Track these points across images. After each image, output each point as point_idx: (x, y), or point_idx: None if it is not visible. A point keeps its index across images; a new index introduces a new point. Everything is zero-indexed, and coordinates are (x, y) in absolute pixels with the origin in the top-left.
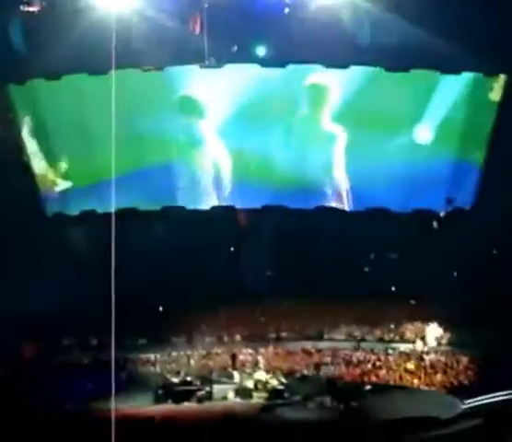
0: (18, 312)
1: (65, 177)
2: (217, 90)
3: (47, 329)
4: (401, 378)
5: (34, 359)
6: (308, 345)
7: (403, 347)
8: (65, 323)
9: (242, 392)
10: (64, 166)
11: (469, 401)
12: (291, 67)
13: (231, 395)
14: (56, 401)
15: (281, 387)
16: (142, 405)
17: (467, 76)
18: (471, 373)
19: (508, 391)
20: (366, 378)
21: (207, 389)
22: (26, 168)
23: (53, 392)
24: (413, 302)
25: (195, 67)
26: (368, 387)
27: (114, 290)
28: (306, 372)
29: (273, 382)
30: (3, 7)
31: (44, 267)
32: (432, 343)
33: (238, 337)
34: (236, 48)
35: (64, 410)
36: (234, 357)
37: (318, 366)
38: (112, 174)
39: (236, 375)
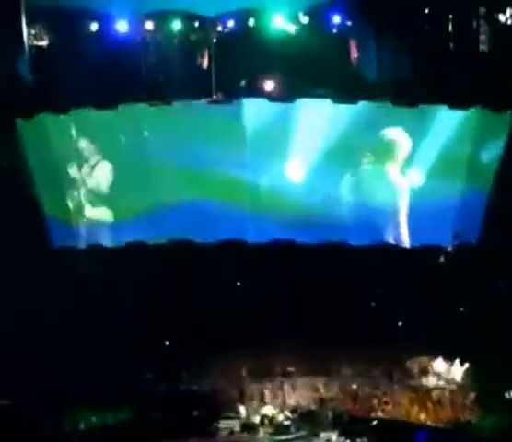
0: None
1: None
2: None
3: None
4: (407, 413)
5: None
6: (315, 381)
7: (410, 382)
8: None
9: (248, 427)
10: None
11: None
12: (300, 102)
13: (237, 429)
14: None
15: (287, 422)
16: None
17: (474, 111)
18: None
19: None
20: (373, 414)
21: (214, 423)
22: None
23: None
24: (419, 337)
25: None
26: (375, 422)
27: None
28: (313, 407)
29: (280, 417)
30: (11, 40)
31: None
32: (438, 378)
33: (244, 372)
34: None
35: None
36: (242, 393)
37: (324, 402)
38: None
39: (242, 409)
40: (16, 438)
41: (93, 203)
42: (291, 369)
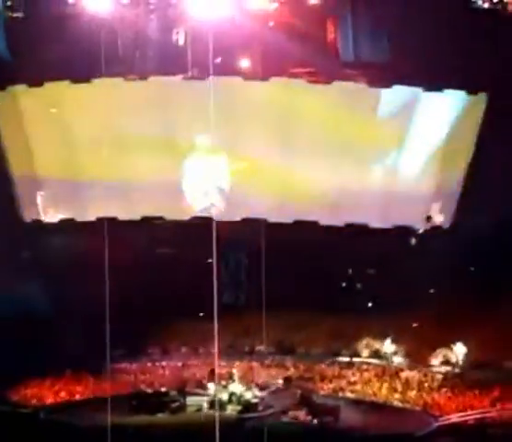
0: None
1: None
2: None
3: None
4: (375, 393)
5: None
6: (283, 359)
7: (379, 363)
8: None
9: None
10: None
11: (442, 418)
12: (274, 80)
13: (205, 407)
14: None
15: (255, 400)
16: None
17: (449, 94)
18: (445, 390)
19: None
20: (340, 393)
21: (181, 400)
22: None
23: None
24: (390, 317)
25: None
26: (343, 402)
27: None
28: (280, 385)
29: (248, 395)
30: None
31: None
32: (407, 359)
33: (213, 349)
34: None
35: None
36: (212, 373)
37: (292, 380)
38: None
39: (210, 386)
40: None
41: (65, 175)
42: (260, 348)
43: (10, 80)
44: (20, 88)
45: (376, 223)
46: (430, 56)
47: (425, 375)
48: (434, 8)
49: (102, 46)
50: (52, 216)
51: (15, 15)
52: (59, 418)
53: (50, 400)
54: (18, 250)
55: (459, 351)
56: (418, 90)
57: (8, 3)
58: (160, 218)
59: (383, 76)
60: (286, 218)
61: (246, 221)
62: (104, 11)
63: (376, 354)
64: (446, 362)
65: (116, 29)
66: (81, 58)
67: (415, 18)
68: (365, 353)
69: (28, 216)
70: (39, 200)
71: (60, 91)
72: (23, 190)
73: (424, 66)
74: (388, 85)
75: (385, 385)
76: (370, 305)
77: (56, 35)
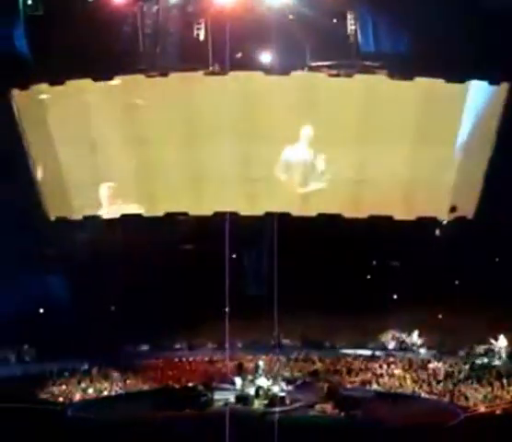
0: None
1: None
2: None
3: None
4: (402, 385)
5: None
6: (310, 353)
7: (405, 355)
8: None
9: (243, 399)
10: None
11: (469, 409)
12: (295, 75)
13: (232, 401)
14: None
15: (282, 394)
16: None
17: (471, 85)
18: (472, 381)
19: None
20: (367, 386)
21: (209, 395)
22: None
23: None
24: (415, 309)
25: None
26: (370, 394)
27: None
28: (307, 379)
29: (275, 389)
30: (7, 11)
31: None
32: (433, 350)
33: (239, 344)
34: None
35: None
36: (239, 367)
37: (319, 374)
38: None
39: (237, 381)
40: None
41: (88, 174)
42: (286, 341)
43: (32, 79)
44: (43, 87)
45: (400, 214)
46: (451, 47)
47: (452, 366)
48: None
49: (123, 42)
50: (77, 214)
51: (35, 13)
52: (86, 415)
53: (77, 397)
54: (44, 246)
55: (485, 341)
56: (440, 81)
57: (29, 1)
58: (185, 214)
59: (404, 68)
60: (310, 211)
61: (271, 214)
62: (124, 7)
63: (402, 346)
64: (472, 353)
65: (137, 24)
66: (102, 55)
67: (436, 9)
68: (391, 345)
69: (53, 214)
70: (64, 198)
71: (82, 89)
72: (47, 188)
73: (446, 57)
74: (409, 77)
75: (412, 377)
76: (396, 297)
77: (77, 32)
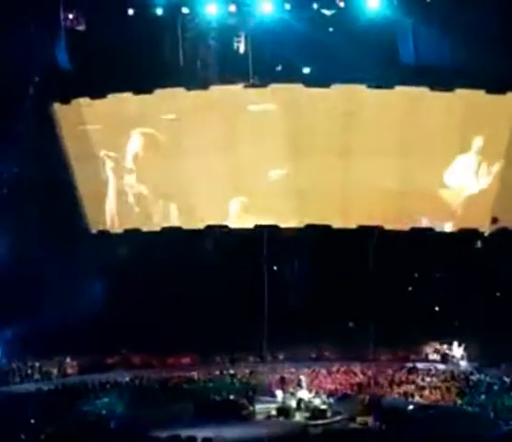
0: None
1: None
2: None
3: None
4: (443, 398)
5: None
6: (351, 365)
7: (447, 367)
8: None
9: (285, 411)
10: None
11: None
12: (335, 87)
13: (274, 414)
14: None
15: (324, 406)
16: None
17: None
18: None
19: None
20: (409, 398)
21: (250, 407)
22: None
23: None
24: (457, 321)
25: None
26: (411, 407)
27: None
28: (349, 392)
29: (316, 401)
30: (49, 26)
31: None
32: (475, 362)
33: (281, 356)
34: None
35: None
36: (282, 380)
37: (361, 386)
38: None
39: (279, 393)
40: None
41: (129, 186)
42: (327, 354)
43: (74, 93)
44: (84, 101)
45: (441, 226)
46: (491, 58)
47: (494, 378)
48: (494, 10)
49: (163, 56)
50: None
51: (77, 28)
52: (129, 427)
53: (120, 409)
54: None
55: None
56: (480, 92)
57: (70, 16)
58: (225, 227)
59: (445, 80)
60: (350, 224)
61: (310, 227)
62: (164, 21)
63: (444, 358)
64: None
65: (177, 38)
66: (143, 68)
67: (475, 20)
68: (433, 357)
69: (94, 227)
70: (104, 211)
71: (123, 102)
72: (89, 201)
73: (486, 68)
74: (449, 88)
75: (454, 389)
76: (437, 309)
77: (117, 46)
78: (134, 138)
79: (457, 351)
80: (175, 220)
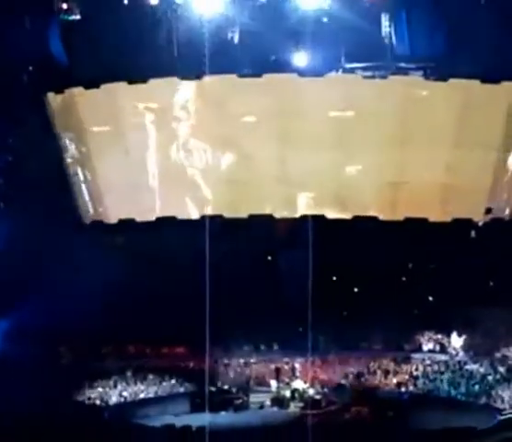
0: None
1: None
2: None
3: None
4: (438, 387)
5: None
6: (346, 355)
7: (441, 357)
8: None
9: (279, 401)
10: None
11: (506, 411)
12: (328, 76)
13: (268, 404)
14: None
15: (318, 396)
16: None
17: (507, 86)
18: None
19: None
20: (403, 388)
21: (244, 398)
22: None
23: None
24: (451, 311)
25: None
26: (406, 396)
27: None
28: (343, 382)
29: (311, 391)
30: (43, 16)
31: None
32: (470, 352)
33: (275, 346)
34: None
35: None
36: (276, 371)
37: (355, 376)
38: None
39: (273, 384)
40: None
41: (126, 175)
42: (322, 344)
43: (67, 83)
44: (77, 91)
45: (435, 217)
46: (486, 48)
47: (488, 368)
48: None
49: (157, 46)
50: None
51: (71, 18)
52: (123, 418)
53: (113, 400)
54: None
55: None
56: (475, 82)
57: (64, 6)
58: (220, 216)
59: (439, 70)
60: (345, 214)
61: (306, 218)
62: (159, 11)
63: (438, 348)
64: (508, 355)
65: (171, 28)
66: (137, 59)
67: (471, 10)
68: (427, 347)
69: (88, 218)
70: (100, 201)
71: (117, 92)
72: (83, 191)
73: (480, 58)
74: (443, 78)
75: (448, 379)
76: (431, 299)
77: (111, 36)
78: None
79: (451, 341)
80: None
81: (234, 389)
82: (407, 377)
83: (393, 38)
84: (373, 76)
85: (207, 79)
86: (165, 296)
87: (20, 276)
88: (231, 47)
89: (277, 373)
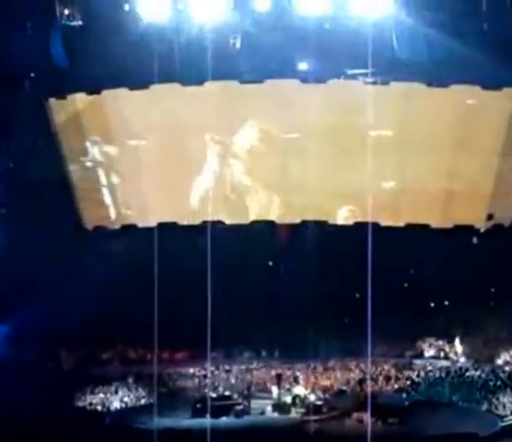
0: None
1: None
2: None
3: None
4: (439, 393)
5: (72, 372)
6: (347, 361)
7: (443, 363)
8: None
9: (280, 407)
10: None
11: (507, 418)
12: (331, 83)
13: (269, 409)
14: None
15: (319, 402)
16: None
17: (508, 92)
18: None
19: None
20: (404, 394)
21: (245, 403)
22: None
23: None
24: (452, 317)
25: None
26: (407, 403)
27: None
28: (344, 388)
29: (312, 397)
30: (45, 21)
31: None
32: (471, 358)
33: (276, 353)
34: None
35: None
36: (279, 377)
37: (356, 382)
38: None
39: (274, 390)
40: None
41: (125, 183)
42: (322, 350)
43: (69, 89)
44: (79, 97)
45: (437, 223)
46: (487, 54)
47: (490, 374)
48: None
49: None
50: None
51: (73, 24)
52: (124, 423)
53: (114, 405)
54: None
55: None
56: (476, 88)
57: (66, 12)
58: (220, 222)
59: (440, 76)
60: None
61: (306, 223)
62: (160, 18)
63: (440, 354)
64: (509, 361)
65: (172, 35)
66: (138, 65)
67: (472, 16)
68: (428, 353)
69: (89, 224)
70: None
71: (118, 98)
72: (85, 197)
73: (481, 64)
74: (445, 84)
75: (449, 385)
76: (433, 305)
77: (113, 43)
78: (249, 129)
79: (453, 347)
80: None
81: (235, 395)
82: (408, 383)
83: (395, 44)
84: (374, 82)
85: (208, 85)
86: (166, 302)
87: (23, 280)
88: (233, 53)
89: (278, 379)
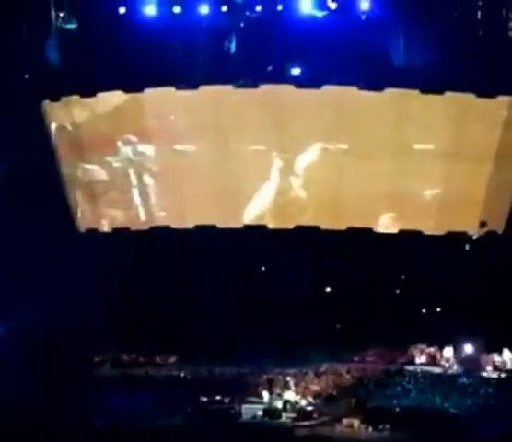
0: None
1: None
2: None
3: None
4: (430, 400)
5: (65, 374)
6: (338, 367)
7: (434, 370)
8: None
9: (271, 412)
10: None
11: (498, 425)
12: (326, 88)
13: (260, 414)
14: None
15: (310, 407)
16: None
17: (502, 100)
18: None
19: None
20: (395, 400)
21: (236, 408)
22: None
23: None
24: (444, 324)
25: None
26: (397, 409)
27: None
28: (335, 393)
29: (303, 403)
30: (39, 24)
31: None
32: (462, 366)
33: (267, 358)
34: (271, 68)
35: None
36: (268, 381)
37: (347, 388)
38: None
39: (265, 395)
40: None
41: (121, 186)
42: (313, 355)
43: (63, 91)
44: (73, 99)
45: (430, 229)
46: (482, 61)
47: (481, 381)
48: (486, 13)
49: (153, 55)
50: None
51: (67, 26)
52: (114, 425)
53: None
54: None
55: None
56: (470, 96)
57: (61, 14)
58: (214, 227)
59: (435, 83)
60: (338, 225)
61: (299, 228)
62: (155, 21)
63: (431, 361)
64: (501, 368)
65: (167, 38)
66: (133, 68)
67: (467, 23)
68: (420, 360)
69: (82, 226)
70: (94, 209)
71: (112, 101)
72: (78, 200)
73: (476, 71)
74: (440, 91)
75: (440, 392)
76: (424, 311)
77: (108, 45)
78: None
79: (444, 354)
80: None
81: (226, 400)
82: (399, 389)
83: (390, 50)
84: (368, 89)
85: (203, 89)
86: (158, 305)
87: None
88: (227, 57)
89: (270, 384)
